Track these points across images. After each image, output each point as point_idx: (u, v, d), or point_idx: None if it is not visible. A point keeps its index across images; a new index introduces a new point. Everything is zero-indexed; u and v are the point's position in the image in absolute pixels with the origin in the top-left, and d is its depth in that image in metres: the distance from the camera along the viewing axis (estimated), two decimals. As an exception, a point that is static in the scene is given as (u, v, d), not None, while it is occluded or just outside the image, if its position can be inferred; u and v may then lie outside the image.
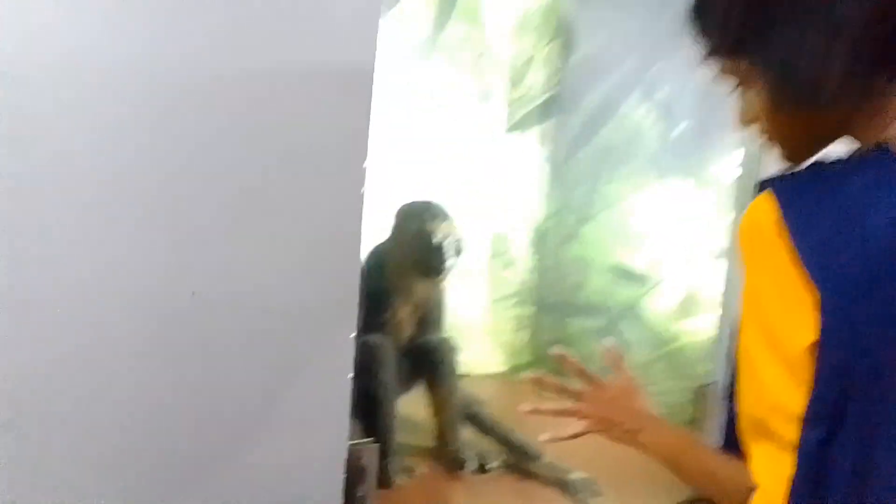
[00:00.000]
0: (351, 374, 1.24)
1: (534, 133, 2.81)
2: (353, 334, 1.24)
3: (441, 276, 1.92)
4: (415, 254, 1.90)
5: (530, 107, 2.77)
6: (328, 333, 1.23)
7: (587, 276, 2.68)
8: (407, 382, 2.04)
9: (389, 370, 1.88)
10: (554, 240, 2.81)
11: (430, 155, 2.56)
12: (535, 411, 0.96)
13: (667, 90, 2.54)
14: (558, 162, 2.78)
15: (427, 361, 2.00)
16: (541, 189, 2.84)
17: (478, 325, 2.86)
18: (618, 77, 2.61)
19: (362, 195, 1.21)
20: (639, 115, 2.56)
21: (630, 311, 2.56)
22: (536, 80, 2.77)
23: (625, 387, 0.95)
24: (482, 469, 1.97)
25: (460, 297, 2.71)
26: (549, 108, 2.79)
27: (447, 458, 1.96)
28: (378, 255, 1.96)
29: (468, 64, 2.60)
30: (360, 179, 1.20)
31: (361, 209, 1.22)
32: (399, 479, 1.83)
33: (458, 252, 1.94)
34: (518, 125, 2.78)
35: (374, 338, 1.85)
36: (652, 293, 2.51)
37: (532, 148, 2.81)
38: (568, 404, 0.96)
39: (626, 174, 2.59)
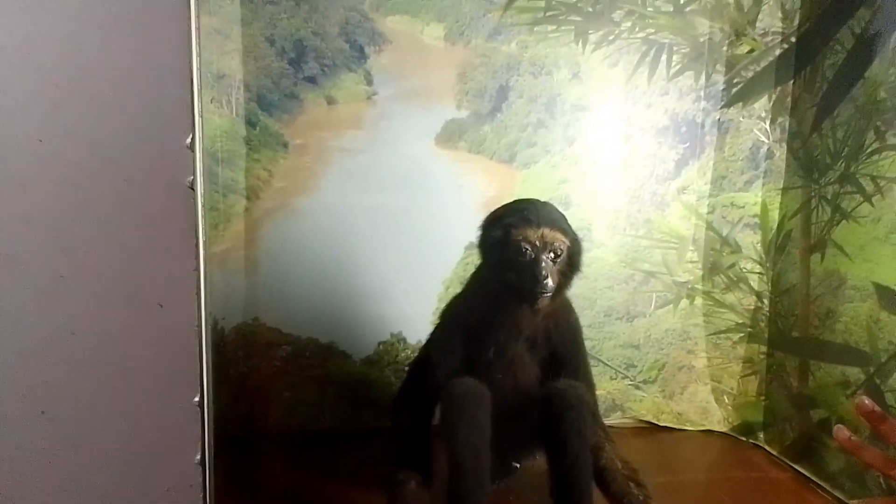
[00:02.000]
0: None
1: (762, 104, 2.03)
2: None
3: (538, 302, 1.41)
4: (502, 273, 1.44)
5: (761, 65, 2.03)
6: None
7: (842, 300, 1.75)
8: (526, 445, 1.60)
9: (477, 426, 1.38)
10: (796, 248, 1.94)
11: (611, 146, 2.07)
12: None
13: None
14: (801, 138, 1.94)
15: (546, 416, 1.45)
16: (773, 180, 2.02)
17: (687, 367, 2.16)
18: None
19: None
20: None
21: (904, 356, 1.57)
22: (771, 25, 2.01)
23: None
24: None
25: (661, 330, 2.10)
26: (786, 65, 1.99)
27: None
28: (474, 276, 1.62)
29: (666, 17, 2.04)
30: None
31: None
32: None
33: (567, 267, 1.46)
34: (741, 95, 2.05)
35: (462, 383, 1.42)
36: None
37: (760, 127, 2.04)
38: None
39: (905, 142, 1.64)
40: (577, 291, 2.08)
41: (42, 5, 0.84)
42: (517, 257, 1.41)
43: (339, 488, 1.70)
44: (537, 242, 1.40)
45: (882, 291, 1.63)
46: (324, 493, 1.68)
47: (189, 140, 0.86)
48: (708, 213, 2.11)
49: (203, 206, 0.89)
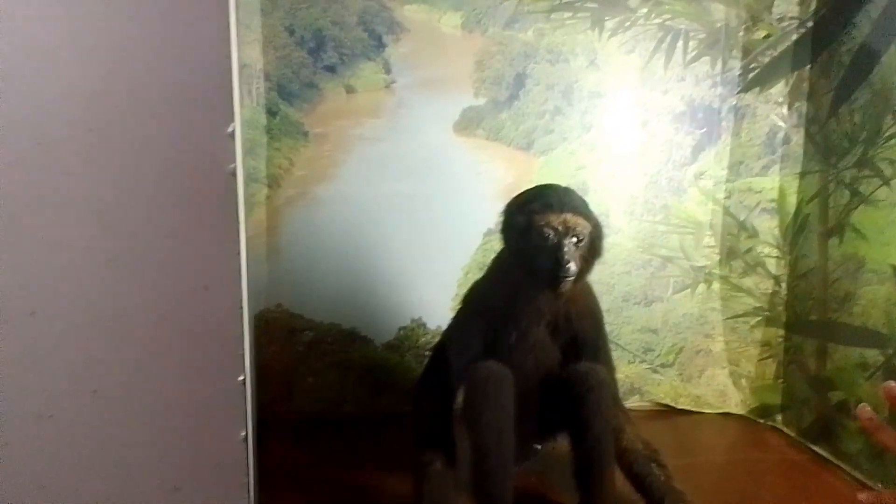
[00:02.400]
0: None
1: (779, 89, 2.04)
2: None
3: (561, 287, 1.42)
4: (525, 258, 1.46)
5: (778, 50, 2.03)
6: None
7: (861, 283, 1.77)
8: (546, 428, 1.62)
9: (501, 409, 1.42)
10: (813, 232, 1.95)
11: (628, 132, 2.09)
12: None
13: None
14: (818, 123, 1.94)
15: (568, 399, 1.48)
16: (790, 165, 2.03)
17: (705, 351, 2.17)
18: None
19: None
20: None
21: (922, 338, 1.58)
22: (787, 10, 2.01)
23: None
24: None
25: (679, 314, 2.12)
26: (803, 50, 1.99)
27: None
28: (495, 261, 1.64)
29: (682, 3, 2.05)
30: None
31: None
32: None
33: (588, 252, 1.47)
34: (757, 80, 2.06)
35: (485, 367, 1.45)
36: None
37: (777, 112, 2.04)
38: None
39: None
40: (596, 277, 2.08)
41: (86, 2, 0.87)
42: (540, 242, 1.42)
43: (361, 472, 1.73)
44: (560, 227, 1.42)
45: (901, 274, 1.64)
46: (346, 477, 1.71)
47: (231, 129, 0.89)
48: (725, 198, 2.13)
49: (243, 192, 0.91)
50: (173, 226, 0.91)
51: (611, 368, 1.63)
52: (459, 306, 1.64)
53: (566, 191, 1.49)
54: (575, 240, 1.43)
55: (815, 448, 1.91)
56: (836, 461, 1.83)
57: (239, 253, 0.93)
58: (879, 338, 1.70)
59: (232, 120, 0.88)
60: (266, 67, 1.89)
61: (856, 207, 1.79)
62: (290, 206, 1.95)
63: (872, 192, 1.73)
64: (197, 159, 0.89)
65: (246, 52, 1.86)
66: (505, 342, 1.54)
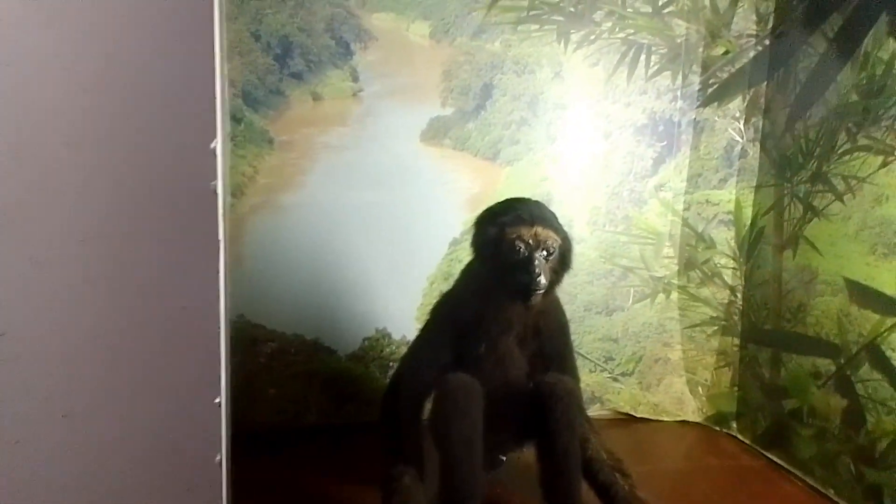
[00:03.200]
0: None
1: (737, 104, 2.10)
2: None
3: (531, 299, 1.44)
4: (496, 270, 1.47)
5: (736, 66, 2.09)
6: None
7: (814, 294, 1.83)
8: (514, 438, 1.63)
9: (470, 421, 1.42)
10: (768, 244, 2.02)
11: (591, 144, 2.11)
12: None
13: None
14: (774, 138, 2.01)
15: (536, 409, 1.49)
16: (746, 178, 2.09)
17: (663, 360, 2.22)
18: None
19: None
20: (889, 49, 1.68)
21: (872, 349, 1.64)
22: (745, 27, 2.07)
23: None
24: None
25: (639, 323, 2.16)
26: (760, 66, 2.06)
27: None
28: (464, 273, 1.64)
29: (645, 18, 2.08)
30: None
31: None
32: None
33: (559, 264, 1.49)
34: (716, 95, 2.12)
35: (454, 378, 1.45)
36: (906, 322, 1.58)
37: (734, 126, 2.10)
38: None
39: (875, 140, 1.70)
40: (559, 286, 2.13)
41: (71, 14, 0.83)
42: (512, 255, 1.44)
43: (324, 482, 1.71)
44: (531, 241, 1.43)
45: (852, 286, 1.71)
46: (309, 488, 1.69)
47: (214, 145, 0.86)
48: (684, 209, 2.18)
49: (225, 209, 0.89)
50: (152, 244, 0.88)
51: (576, 379, 1.66)
52: (428, 317, 1.64)
53: (537, 204, 1.50)
54: (545, 253, 1.45)
55: (769, 455, 1.97)
56: (789, 468, 1.89)
57: (219, 272, 0.91)
58: (831, 347, 1.76)
59: (215, 136, 0.86)
60: (231, 73, 1.86)
61: (809, 221, 1.85)
62: (254, 214, 1.92)
63: (825, 207, 1.80)
64: (178, 176, 0.87)
65: (209, 56, 1.83)
66: (474, 353, 1.55)
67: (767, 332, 2.01)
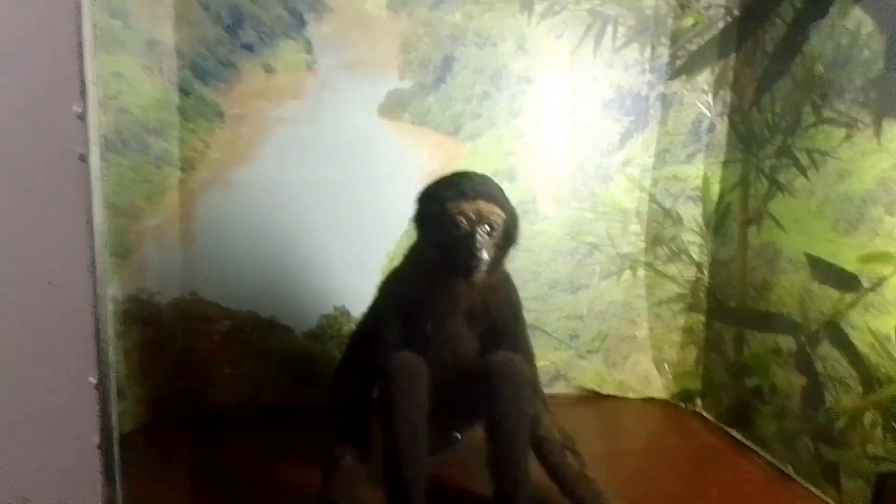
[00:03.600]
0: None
1: (705, 77, 2.04)
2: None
3: (472, 276, 1.40)
4: (438, 247, 1.44)
5: (705, 39, 2.03)
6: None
7: (777, 272, 1.79)
8: (466, 417, 1.60)
9: (415, 401, 1.39)
10: (734, 221, 1.98)
11: (556, 118, 2.06)
12: None
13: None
14: (741, 112, 1.96)
15: (482, 389, 1.44)
16: (714, 154, 2.04)
17: (630, 338, 2.19)
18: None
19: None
20: (855, 19, 1.62)
21: (831, 327, 1.61)
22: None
23: None
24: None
25: (605, 301, 2.13)
26: (729, 38, 2.00)
27: None
28: (411, 250, 1.60)
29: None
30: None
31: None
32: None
33: (503, 240, 1.45)
34: (685, 68, 2.06)
35: (399, 358, 1.41)
36: (866, 302, 1.54)
37: (703, 100, 2.05)
38: None
39: (839, 113, 1.65)
40: (523, 264, 2.10)
41: None
42: (452, 231, 1.39)
43: (276, 464, 1.68)
44: (472, 216, 1.39)
45: (814, 262, 1.67)
46: (260, 469, 1.67)
47: (80, 109, 0.81)
48: (651, 185, 2.13)
49: (98, 178, 0.84)
50: (16, 216, 0.83)
51: (530, 356, 1.62)
52: (375, 295, 1.60)
53: (481, 178, 1.46)
54: (488, 228, 1.41)
55: (732, 432, 1.94)
56: (751, 445, 1.87)
57: (90, 246, 0.85)
58: (792, 325, 1.73)
59: (80, 98, 0.80)
60: (179, 45, 1.80)
61: (774, 197, 1.81)
62: (205, 190, 1.86)
63: (790, 182, 1.75)
64: (42, 143, 0.82)
65: (157, 28, 1.76)
66: (421, 332, 1.51)
67: (732, 309, 1.98)
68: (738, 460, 1.83)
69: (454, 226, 1.39)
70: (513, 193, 2.06)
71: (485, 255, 1.38)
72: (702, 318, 2.10)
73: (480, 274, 1.41)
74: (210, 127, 1.84)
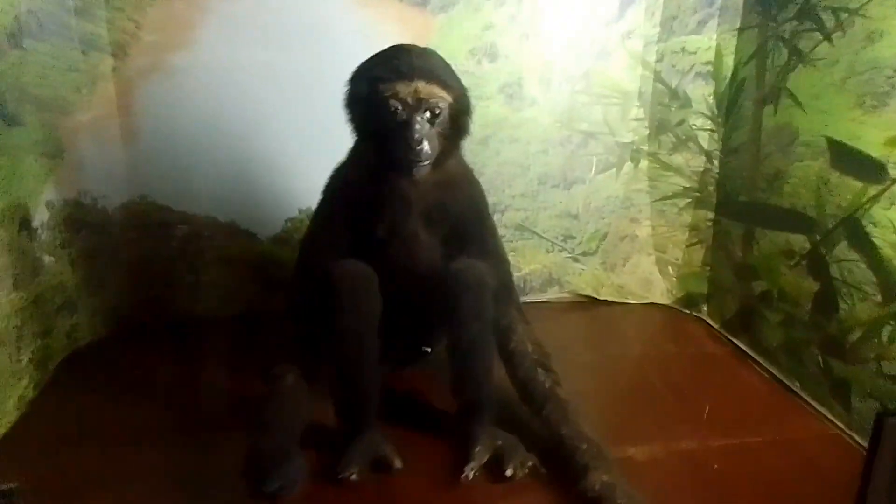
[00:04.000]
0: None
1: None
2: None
3: (414, 172, 1.20)
4: (373, 137, 1.24)
5: None
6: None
7: (792, 159, 1.54)
8: (433, 329, 1.47)
9: (360, 313, 1.24)
10: (748, 100, 1.70)
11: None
12: None
13: None
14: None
15: (443, 299, 1.29)
16: (728, 19, 1.74)
17: (630, 237, 1.98)
18: None
19: None
20: None
21: (851, 224, 1.37)
22: None
23: None
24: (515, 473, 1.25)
25: (602, 197, 1.91)
26: None
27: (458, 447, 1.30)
28: (356, 144, 1.37)
29: None
30: None
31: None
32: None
33: (450, 128, 1.23)
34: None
35: (341, 266, 1.25)
36: (892, 195, 1.28)
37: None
38: None
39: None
40: (509, 157, 1.88)
41: None
42: (387, 118, 1.18)
43: (236, 376, 1.58)
44: (410, 100, 1.18)
45: (834, 147, 1.41)
46: (217, 382, 1.57)
47: None
48: (656, 61, 1.85)
49: None
50: None
51: (501, 261, 1.44)
52: (321, 196, 1.42)
53: (422, 53, 1.23)
54: (430, 114, 1.19)
55: (736, 341, 1.76)
56: (754, 355, 1.68)
57: None
58: (806, 221, 1.50)
59: None
60: None
61: (794, 69, 1.53)
62: (143, 78, 1.67)
63: (812, 50, 1.46)
64: None
65: None
66: (373, 238, 1.34)
67: (742, 203, 1.74)
68: (740, 372, 1.65)
69: (388, 112, 1.18)
70: (494, 74, 1.85)
71: (426, 148, 1.18)
72: (710, 214, 1.86)
73: (423, 170, 1.21)
74: (139, 4, 1.62)
